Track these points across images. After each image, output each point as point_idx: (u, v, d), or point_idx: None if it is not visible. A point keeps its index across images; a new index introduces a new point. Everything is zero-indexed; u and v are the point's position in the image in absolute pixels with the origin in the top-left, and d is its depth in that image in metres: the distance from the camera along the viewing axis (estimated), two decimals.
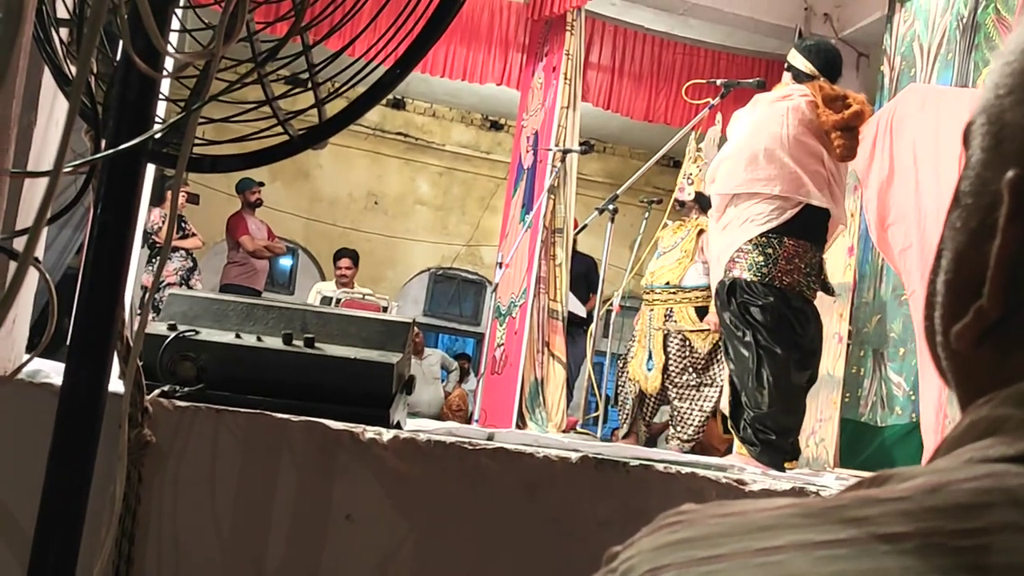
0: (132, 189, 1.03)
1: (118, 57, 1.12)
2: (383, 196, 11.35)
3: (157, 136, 1.10)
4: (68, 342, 1.20)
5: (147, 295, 6.34)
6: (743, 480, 1.74)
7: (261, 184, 7.77)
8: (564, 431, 5.95)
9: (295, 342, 1.82)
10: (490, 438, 2.05)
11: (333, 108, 1.19)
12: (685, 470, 1.74)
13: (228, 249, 7.71)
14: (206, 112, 1.06)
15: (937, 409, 4.40)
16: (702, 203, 5.61)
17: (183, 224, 6.72)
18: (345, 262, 7.71)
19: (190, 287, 6.83)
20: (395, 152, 11.05)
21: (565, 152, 5.88)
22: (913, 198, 4.75)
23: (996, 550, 0.35)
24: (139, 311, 6.16)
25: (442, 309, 12.05)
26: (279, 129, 1.18)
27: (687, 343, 5.45)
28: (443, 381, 9.45)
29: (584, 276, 6.92)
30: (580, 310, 6.89)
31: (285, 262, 11.19)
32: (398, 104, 10.94)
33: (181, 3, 1.12)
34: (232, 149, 1.22)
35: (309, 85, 1.16)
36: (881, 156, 4.88)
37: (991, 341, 0.44)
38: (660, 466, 1.71)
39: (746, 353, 3.31)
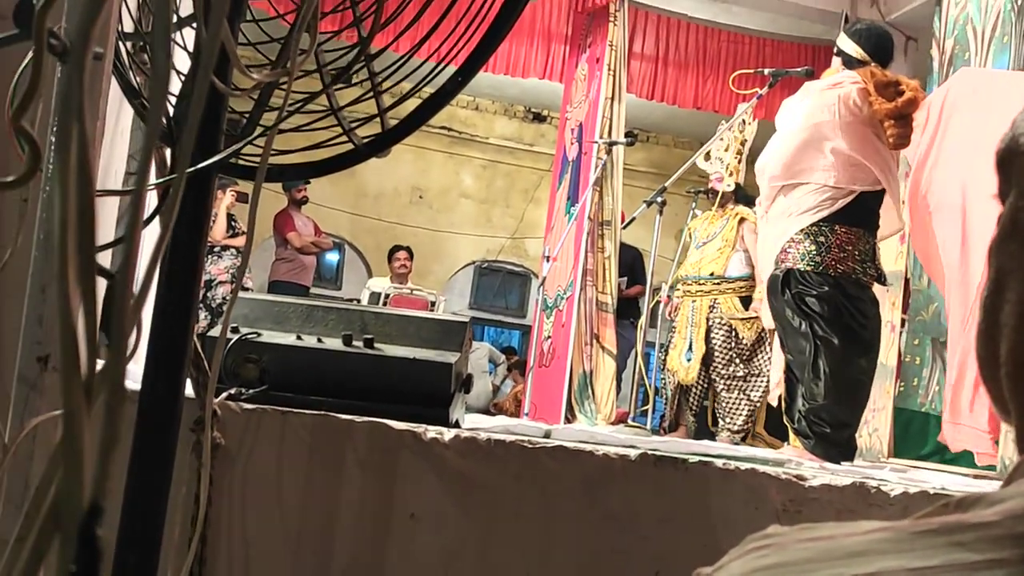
0: (204, 202, 1.06)
1: (186, 70, 1.15)
2: (427, 190, 11.41)
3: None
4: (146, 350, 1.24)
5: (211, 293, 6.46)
6: (803, 475, 1.74)
7: (307, 181, 7.85)
8: (613, 423, 5.95)
9: (355, 343, 1.84)
10: (547, 435, 2.07)
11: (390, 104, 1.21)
12: (744, 466, 1.74)
13: (276, 246, 7.80)
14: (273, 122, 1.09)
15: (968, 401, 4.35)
16: (739, 195, 5.58)
17: (233, 223, 6.81)
18: (403, 255, 7.82)
19: (241, 284, 6.92)
20: (439, 146, 11.09)
21: (611, 144, 5.87)
22: (959, 186, 4.68)
23: None
24: (204, 314, 6.25)
25: (488, 302, 12.10)
26: (343, 136, 1.20)
27: (733, 333, 5.43)
28: (491, 374, 9.49)
29: (630, 267, 6.90)
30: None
31: (332, 257, 11.30)
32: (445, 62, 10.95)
33: (247, 17, 1.15)
34: (297, 156, 1.24)
35: (372, 94, 1.18)
36: (931, 142, 4.81)
37: None
38: (719, 463, 1.72)
39: (803, 343, 3.29)
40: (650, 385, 5.51)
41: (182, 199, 1.07)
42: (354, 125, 1.15)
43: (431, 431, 1.62)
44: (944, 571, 0.38)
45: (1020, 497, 0.41)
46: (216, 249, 6.64)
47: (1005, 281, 0.49)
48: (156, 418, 1.26)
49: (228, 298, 6.41)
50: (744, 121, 5.38)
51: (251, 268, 7.63)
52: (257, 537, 1.55)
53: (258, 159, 1.07)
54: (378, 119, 1.21)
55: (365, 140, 1.16)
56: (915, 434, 5.28)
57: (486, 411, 7.72)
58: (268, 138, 0.91)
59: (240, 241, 6.67)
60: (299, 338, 1.86)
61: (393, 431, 1.60)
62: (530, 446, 1.64)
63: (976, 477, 3.77)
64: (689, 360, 5.50)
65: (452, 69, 1.18)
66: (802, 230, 3.35)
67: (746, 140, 5.61)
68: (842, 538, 0.42)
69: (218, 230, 6.62)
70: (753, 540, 0.45)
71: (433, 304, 6.47)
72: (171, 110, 1.23)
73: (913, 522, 0.42)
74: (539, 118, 11.39)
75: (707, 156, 5.55)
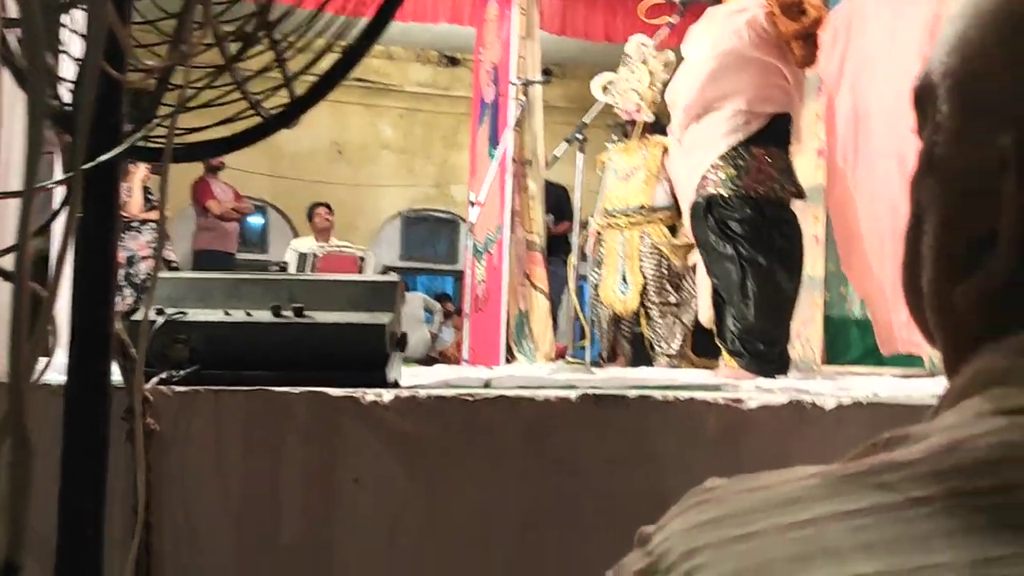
0: (112, 190, 1.02)
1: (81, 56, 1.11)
2: (346, 145, 11.25)
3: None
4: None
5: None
6: (740, 399, 1.77)
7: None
8: (553, 359, 6.00)
9: (284, 313, 1.82)
10: (487, 384, 2.07)
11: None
12: (683, 396, 1.76)
13: (196, 215, 7.65)
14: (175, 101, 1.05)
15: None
16: (655, 125, 5.61)
17: (149, 196, 6.65)
18: (323, 210, 7.71)
19: (163, 257, 6.78)
20: (354, 98, 10.89)
21: (527, 84, 5.82)
22: (866, 97, 4.77)
23: (1021, 505, 0.37)
24: (119, 292, 6.12)
25: (418, 251, 12.04)
26: (250, 109, 1.17)
27: (664, 261, 5.49)
28: (428, 323, 9.48)
29: (556, 205, 6.90)
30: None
31: (255, 221, 11.12)
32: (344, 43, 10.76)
33: None
34: (205, 134, 1.20)
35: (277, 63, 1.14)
36: (838, 57, 4.88)
37: (992, 299, 0.46)
38: (658, 395, 1.74)
39: (729, 267, 3.33)
40: (585, 319, 5.55)
41: (89, 190, 1.03)
42: (261, 97, 1.12)
43: (370, 394, 1.61)
44: (871, 513, 0.38)
45: (946, 431, 0.42)
46: (135, 224, 6.48)
47: (923, 215, 0.50)
48: (84, 412, 1.24)
49: (151, 274, 6.28)
50: (653, 54, 5.37)
51: (173, 240, 7.47)
52: (202, 518, 1.54)
53: (163, 138, 1.03)
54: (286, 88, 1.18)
55: (273, 112, 1.13)
56: (845, 340, 5.43)
57: (426, 361, 7.73)
58: (172, 122, 0.88)
59: (157, 214, 6.51)
60: (227, 313, 1.83)
61: (331, 399, 1.59)
62: (470, 399, 1.65)
63: (905, 377, 3.90)
64: (624, 292, 5.56)
65: (362, 22, 1.15)
66: (720, 156, 3.38)
67: (657, 71, 5.62)
68: (778, 486, 0.42)
69: (134, 205, 6.45)
70: (693, 495, 0.46)
71: (363, 260, 6.41)
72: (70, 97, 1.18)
73: (844, 465, 0.43)
74: (453, 62, 11.26)
75: (604, 89, 5.55)
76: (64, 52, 1.21)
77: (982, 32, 0.47)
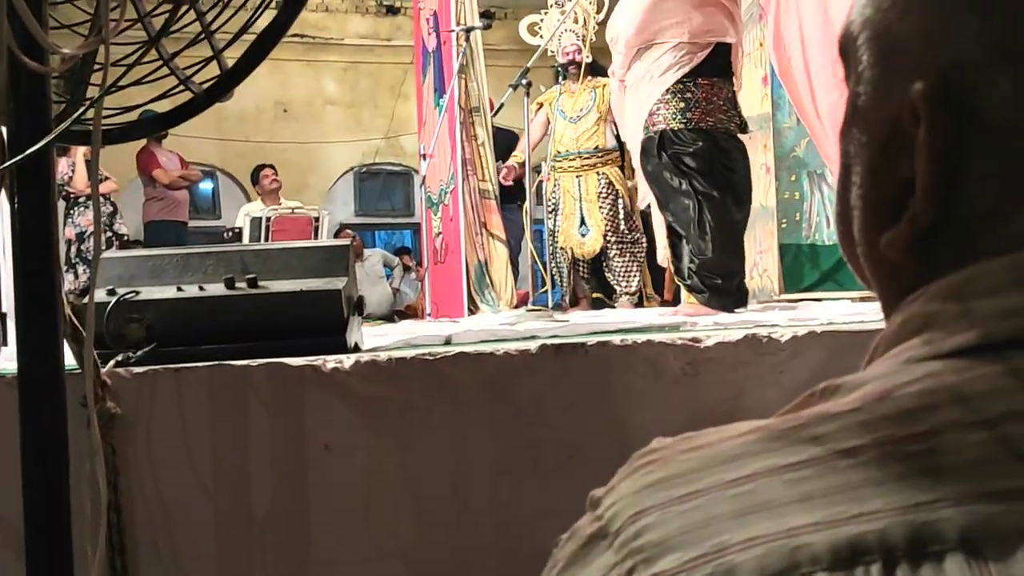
0: (47, 178, 1.01)
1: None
2: (291, 103, 11.09)
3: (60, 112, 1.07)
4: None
5: (71, 248, 6.21)
6: (697, 338, 1.79)
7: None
8: (516, 307, 6.02)
9: (238, 285, 1.81)
10: (448, 342, 2.08)
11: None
12: (641, 338, 1.78)
13: (144, 186, 7.53)
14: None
15: None
16: (595, 66, 5.60)
17: None
18: (268, 171, 7.59)
19: (114, 231, 6.69)
20: (294, 55, 10.71)
21: (468, 31, 5.75)
22: (800, 27, 4.77)
23: (946, 450, 0.38)
24: (66, 269, 6.02)
25: (373, 206, 11.97)
26: (180, 84, 1.15)
27: (619, 201, 5.52)
28: (388, 278, 9.45)
29: (508, 151, 6.87)
30: None
31: (205, 187, 10.98)
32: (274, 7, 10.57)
33: None
34: (136, 113, 1.19)
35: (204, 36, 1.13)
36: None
37: (919, 246, 0.47)
38: (617, 340, 1.76)
39: (686, 201, 3.34)
40: (544, 265, 5.57)
41: (22, 178, 1.02)
42: (191, 72, 1.10)
43: (331, 361, 1.62)
44: (807, 465, 0.39)
45: (877, 380, 0.43)
46: (82, 200, 6.37)
47: (851, 165, 0.51)
48: (39, 401, 1.23)
49: (104, 249, 6.19)
50: None
51: (122, 213, 7.35)
52: (173, 497, 1.54)
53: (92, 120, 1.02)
54: (215, 61, 1.16)
55: (204, 86, 1.11)
56: (802, 266, 5.49)
57: (389, 318, 7.71)
58: (97, 107, 0.87)
59: (105, 188, 6.41)
60: (180, 289, 1.82)
61: (292, 368, 1.59)
62: (431, 358, 1.65)
63: (863, 300, 3.96)
64: (585, 234, 5.58)
65: None
66: (667, 89, 3.37)
67: (590, 11, 5.60)
68: (720, 443, 0.43)
69: (79, 180, 6.34)
70: (639, 456, 0.47)
71: (317, 220, 6.36)
72: None
73: (782, 419, 0.44)
74: (392, 11, 11.10)
75: (532, 30, 5.53)
76: None
77: None
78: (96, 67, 1.12)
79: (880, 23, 0.49)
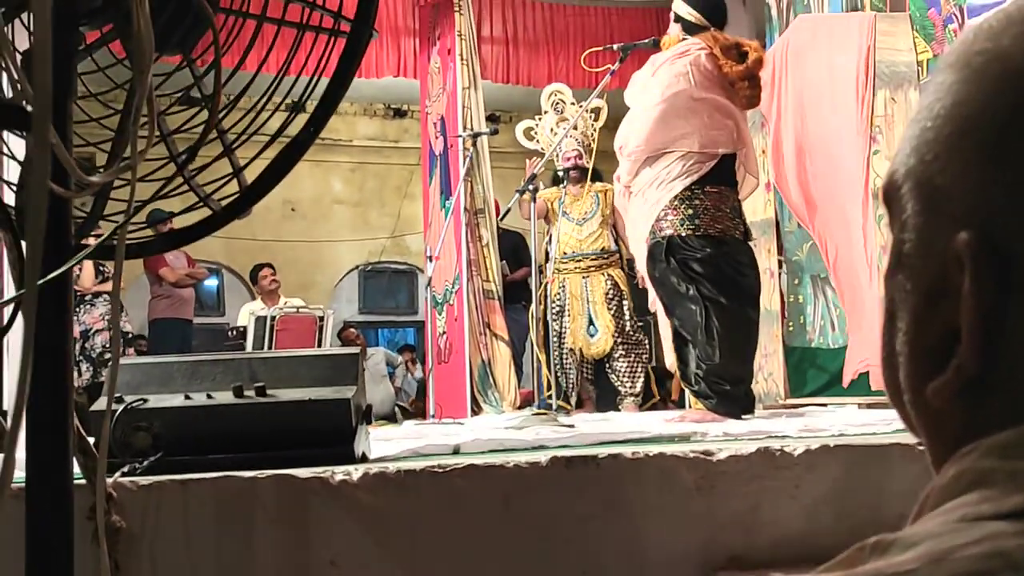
0: (65, 296, 1.00)
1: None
2: (299, 202, 11.22)
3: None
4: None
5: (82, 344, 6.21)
6: (709, 451, 1.77)
7: (171, 213, 7.60)
8: (519, 406, 5.99)
9: (246, 393, 1.80)
10: (456, 451, 2.06)
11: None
12: (653, 451, 1.76)
13: (150, 284, 7.56)
14: (125, 195, 1.04)
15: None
16: (593, 172, 5.71)
17: (101, 268, 6.57)
18: (267, 271, 7.59)
19: (120, 330, 6.69)
20: (304, 156, 10.86)
21: (475, 136, 5.87)
22: (804, 132, 4.87)
23: None
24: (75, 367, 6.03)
25: (377, 304, 12.01)
26: (199, 201, 1.16)
27: (623, 303, 5.56)
28: (390, 376, 9.42)
29: (513, 252, 6.93)
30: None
31: (210, 284, 11.03)
32: (297, 108, 10.78)
33: (79, 93, 1.09)
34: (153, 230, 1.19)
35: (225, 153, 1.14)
36: (780, 93, 4.97)
37: (967, 396, 0.46)
38: (628, 452, 1.74)
39: (693, 307, 3.36)
40: (550, 369, 5.56)
41: (40, 299, 1.02)
42: (211, 191, 1.12)
43: (339, 473, 1.59)
44: None
45: (932, 539, 0.42)
46: (88, 297, 6.40)
47: (896, 311, 0.51)
48: (46, 515, 1.21)
49: (107, 346, 6.19)
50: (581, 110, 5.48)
51: (128, 309, 7.37)
52: None
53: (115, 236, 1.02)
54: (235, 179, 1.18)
55: (223, 203, 1.12)
56: (808, 370, 5.47)
57: (391, 417, 7.66)
58: (122, 230, 0.87)
59: (108, 286, 6.43)
60: (187, 397, 1.80)
61: (299, 480, 1.57)
62: (440, 470, 1.63)
63: (868, 407, 3.93)
64: (594, 335, 5.59)
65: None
66: (676, 196, 3.41)
67: (585, 117, 5.72)
68: None
69: (86, 278, 6.38)
70: None
71: (322, 319, 6.37)
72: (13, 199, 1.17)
73: (837, 575, 0.42)
74: (400, 113, 11.32)
75: (528, 135, 5.68)
76: (6, 154, 1.20)
77: (937, 134, 0.49)
78: (119, 184, 1.13)
79: (923, 174, 0.49)
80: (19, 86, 0.80)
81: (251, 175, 1.16)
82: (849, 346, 4.77)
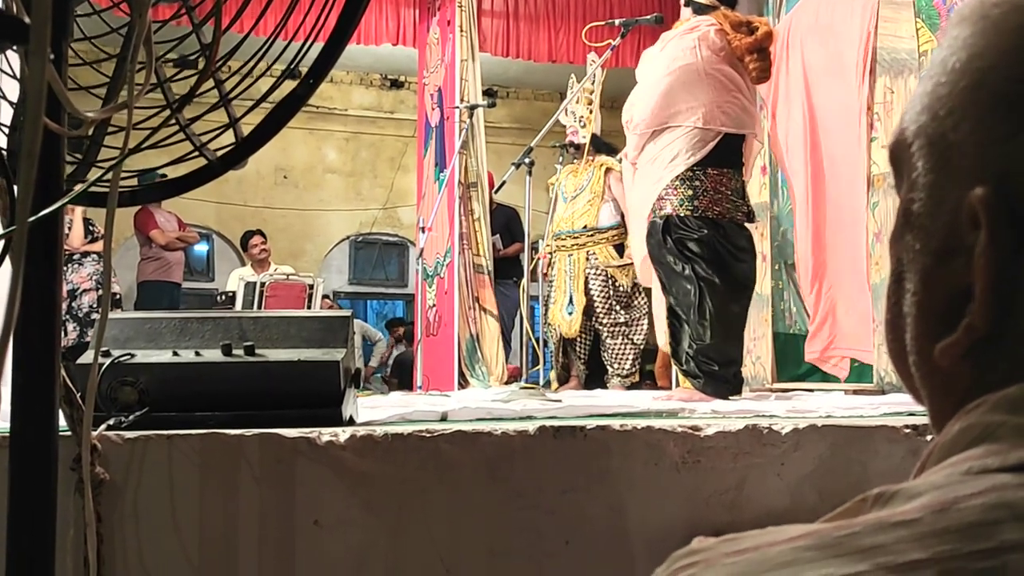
0: (54, 240, 0.99)
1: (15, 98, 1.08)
2: (291, 169, 11.16)
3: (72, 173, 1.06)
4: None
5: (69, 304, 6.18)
6: (697, 426, 1.77)
7: (163, 176, 7.55)
8: (506, 382, 5.99)
9: (235, 352, 1.78)
10: (444, 418, 2.05)
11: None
12: (641, 424, 1.76)
13: (140, 245, 7.52)
14: (119, 143, 1.02)
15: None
16: (597, 144, 5.65)
17: (91, 227, 6.53)
18: (258, 239, 7.58)
19: (107, 314, 6.64)
20: (297, 123, 10.74)
21: (472, 108, 5.83)
22: (806, 114, 4.86)
23: (1012, 570, 0.36)
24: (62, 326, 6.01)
25: (367, 275, 11.98)
26: (195, 150, 1.15)
27: (611, 281, 5.53)
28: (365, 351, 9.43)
29: (505, 227, 6.91)
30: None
31: (200, 249, 10.99)
32: (293, 75, 10.70)
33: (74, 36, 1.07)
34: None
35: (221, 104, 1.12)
36: (780, 76, 4.96)
37: (975, 354, 0.46)
38: (616, 424, 1.73)
39: (688, 287, 3.36)
40: (537, 342, 5.57)
41: (30, 240, 1.00)
42: (207, 140, 1.10)
43: (326, 434, 1.59)
44: (873, 575, 0.38)
45: (937, 490, 0.41)
46: (76, 256, 6.36)
47: (904, 272, 0.50)
48: (31, 463, 1.20)
49: (94, 307, 6.16)
50: (595, 73, 5.42)
51: (116, 270, 7.33)
52: (157, 567, 1.49)
53: (107, 184, 1.01)
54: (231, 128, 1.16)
55: (219, 153, 1.11)
56: (791, 354, 5.49)
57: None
58: (115, 172, 0.86)
59: (100, 246, 6.40)
60: (176, 354, 1.79)
61: (286, 439, 1.56)
62: (428, 435, 1.62)
63: (856, 392, 3.95)
64: (571, 314, 5.58)
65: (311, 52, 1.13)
66: (677, 176, 3.40)
67: (594, 90, 5.68)
68: (767, 548, 0.42)
69: (75, 237, 6.34)
70: (679, 558, 0.45)
71: (311, 287, 6.35)
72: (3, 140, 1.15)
73: (836, 525, 0.42)
74: (397, 84, 11.25)
75: (566, 111, 5.59)
76: None
77: (951, 88, 0.48)
78: (111, 130, 1.12)
79: (936, 130, 0.48)
80: (15, 8, 0.78)
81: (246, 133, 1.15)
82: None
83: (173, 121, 1.05)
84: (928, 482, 0.42)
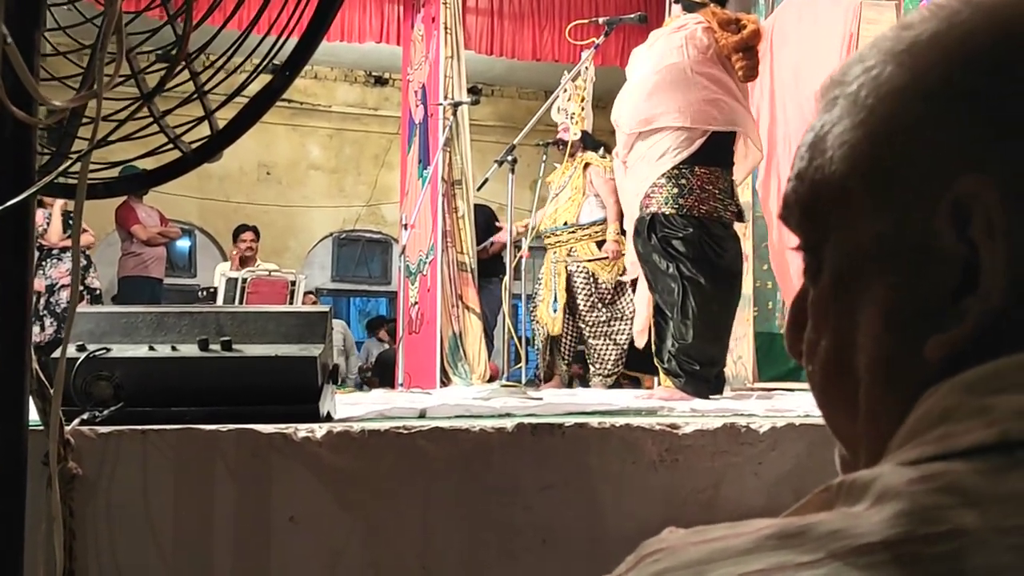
0: (26, 230, 0.98)
1: None
2: (274, 166, 11.11)
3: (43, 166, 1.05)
4: None
5: (41, 300, 6.14)
6: (675, 424, 1.77)
7: (142, 157, 7.49)
8: (488, 380, 5.99)
9: (212, 347, 1.77)
10: (422, 415, 2.05)
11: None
12: (619, 422, 1.76)
13: (121, 240, 7.47)
14: (89, 135, 1.01)
15: None
16: (587, 142, 5.65)
17: (70, 222, 6.48)
18: (249, 235, 7.53)
19: (86, 285, 6.61)
20: (281, 119, 10.77)
21: (456, 105, 5.82)
22: (789, 114, 4.87)
23: (967, 554, 0.36)
24: (33, 320, 5.94)
25: (350, 272, 11.94)
26: (169, 142, 1.14)
27: (592, 277, 5.52)
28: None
29: (484, 226, 6.90)
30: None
31: (182, 244, 10.92)
32: (273, 70, 10.67)
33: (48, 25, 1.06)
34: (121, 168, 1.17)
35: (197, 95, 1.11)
36: (763, 75, 4.97)
37: (988, 335, 0.46)
38: (594, 422, 1.73)
39: (672, 285, 3.35)
40: (519, 340, 5.56)
41: (1, 230, 0.99)
42: (181, 132, 1.09)
43: (302, 430, 1.58)
44: (827, 562, 0.38)
45: (893, 474, 0.41)
46: (55, 252, 6.32)
47: (853, 329, 0.51)
48: (0, 458, 1.19)
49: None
50: (586, 69, 5.42)
51: (96, 266, 7.28)
52: (131, 564, 1.48)
53: (77, 175, 1.00)
54: (206, 120, 1.15)
55: (194, 146, 1.10)
56: (776, 354, 5.50)
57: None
58: (84, 161, 0.85)
59: (81, 240, 6.35)
60: (152, 348, 1.78)
61: (262, 436, 1.55)
62: (405, 432, 1.62)
63: None
64: (556, 311, 5.58)
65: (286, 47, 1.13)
66: (664, 174, 3.39)
67: (586, 87, 5.68)
68: (732, 538, 0.42)
69: (54, 232, 6.29)
70: (647, 546, 0.45)
71: (293, 284, 6.32)
72: None
73: (800, 518, 0.42)
74: (381, 81, 11.22)
75: (557, 108, 5.59)
76: None
77: (882, 115, 0.49)
78: (85, 121, 1.11)
79: (876, 159, 0.49)
80: None
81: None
82: None
83: (146, 112, 1.04)
84: (884, 468, 0.42)
